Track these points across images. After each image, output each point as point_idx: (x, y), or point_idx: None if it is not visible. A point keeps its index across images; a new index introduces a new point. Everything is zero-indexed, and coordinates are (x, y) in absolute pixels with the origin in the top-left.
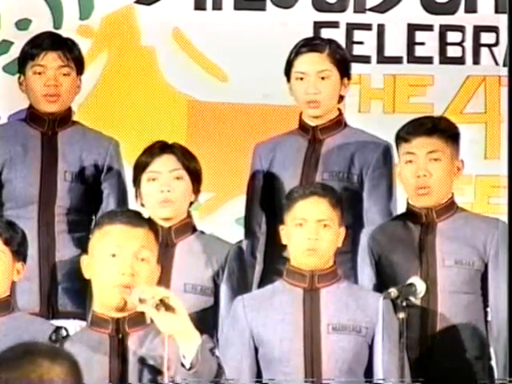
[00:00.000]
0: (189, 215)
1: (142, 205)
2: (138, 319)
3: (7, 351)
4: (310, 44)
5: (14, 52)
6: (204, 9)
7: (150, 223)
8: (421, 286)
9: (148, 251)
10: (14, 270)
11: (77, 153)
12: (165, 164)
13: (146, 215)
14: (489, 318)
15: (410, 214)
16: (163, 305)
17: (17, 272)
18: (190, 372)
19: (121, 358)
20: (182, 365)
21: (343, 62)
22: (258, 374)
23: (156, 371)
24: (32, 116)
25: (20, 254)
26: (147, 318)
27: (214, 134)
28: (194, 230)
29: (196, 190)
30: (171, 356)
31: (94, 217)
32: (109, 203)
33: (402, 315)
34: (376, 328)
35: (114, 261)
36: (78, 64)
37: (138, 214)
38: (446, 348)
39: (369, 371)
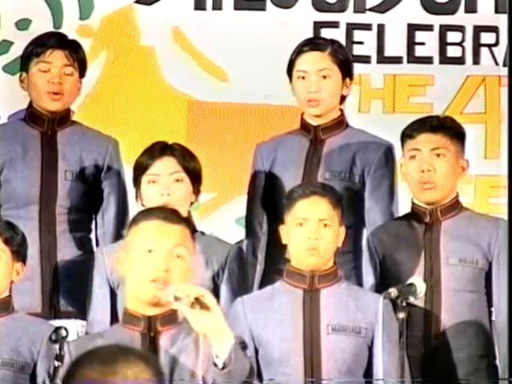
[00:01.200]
0: (189, 215)
1: (143, 206)
2: (171, 317)
3: (102, 348)
4: (312, 43)
5: (14, 52)
6: (204, 9)
7: (187, 222)
8: (421, 286)
9: (184, 249)
10: (14, 270)
11: (77, 152)
12: (164, 167)
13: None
14: (493, 318)
15: (415, 213)
16: (198, 303)
17: (16, 273)
18: (223, 372)
19: None
20: (215, 364)
21: (345, 62)
22: (258, 375)
23: (187, 370)
24: (31, 116)
25: (20, 254)
26: (179, 317)
27: (214, 134)
28: (194, 230)
29: (196, 190)
30: (203, 355)
31: (94, 216)
32: (109, 202)
33: (402, 315)
34: (376, 329)
35: (149, 256)
36: (81, 66)
37: (175, 212)
38: (450, 346)
39: (368, 372)
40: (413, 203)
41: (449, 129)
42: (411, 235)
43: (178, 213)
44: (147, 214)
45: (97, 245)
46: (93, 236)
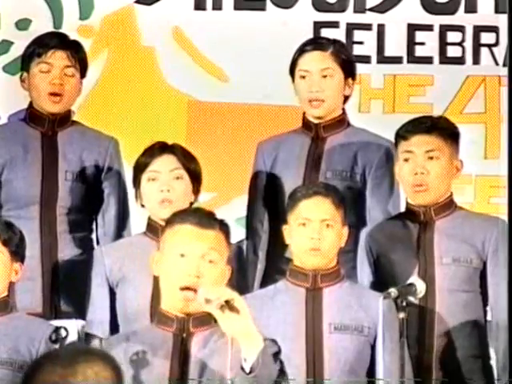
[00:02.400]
0: None
1: (142, 205)
2: (204, 319)
3: (60, 349)
4: (315, 43)
5: (14, 52)
6: (204, 9)
7: (221, 225)
8: (421, 286)
9: (216, 253)
10: (12, 270)
11: (77, 152)
12: (165, 164)
13: (147, 215)
14: (488, 317)
15: (409, 213)
16: (228, 306)
17: (15, 272)
18: (249, 376)
19: (182, 357)
20: (242, 368)
21: (347, 61)
22: None
23: (217, 372)
24: (32, 116)
25: (18, 254)
26: (212, 320)
27: (214, 134)
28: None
29: (196, 190)
30: (233, 359)
31: (94, 216)
32: (110, 202)
33: (402, 315)
34: (378, 328)
35: (181, 261)
36: (82, 66)
37: (209, 215)
38: (445, 346)
39: (371, 371)
40: (407, 203)
41: (442, 130)
42: (405, 235)
43: (213, 216)
44: (182, 216)
45: (98, 245)
46: (94, 236)
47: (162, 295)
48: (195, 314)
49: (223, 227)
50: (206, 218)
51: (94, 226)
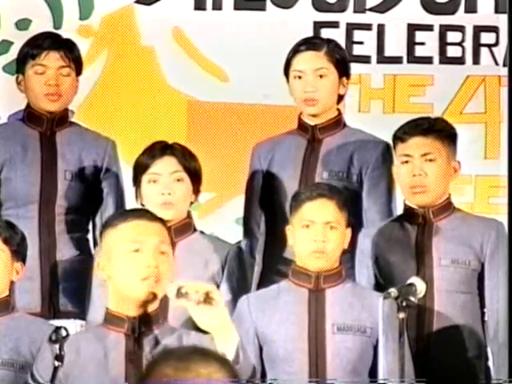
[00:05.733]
0: (189, 215)
1: (142, 205)
2: (154, 318)
3: (180, 348)
4: (308, 43)
5: (14, 52)
6: (204, 9)
7: (161, 220)
8: (421, 286)
9: (167, 245)
10: (13, 269)
11: (76, 152)
12: (165, 166)
13: None
14: (486, 318)
15: (407, 215)
16: (207, 299)
17: (16, 272)
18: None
19: (137, 357)
20: None
21: (342, 61)
22: (263, 373)
23: None
24: (30, 116)
25: (19, 254)
26: (161, 318)
27: (214, 134)
28: (194, 229)
29: (196, 190)
30: None
31: (92, 217)
32: (108, 203)
33: (402, 315)
34: (379, 328)
35: (136, 256)
36: (77, 65)
37: (148, 212)
38: (443, 347)
39: (373, 371)
40: (405, 205)
41: (440, 131)
42: (404, 237)
43: (152, 212)
44: (122, 215)
45: (95, 245)
46: (90, 236)
47: (111, 296)
48: (146, 313)
49: (163, 222)
50: (147, 214)
51: (90, 227)
